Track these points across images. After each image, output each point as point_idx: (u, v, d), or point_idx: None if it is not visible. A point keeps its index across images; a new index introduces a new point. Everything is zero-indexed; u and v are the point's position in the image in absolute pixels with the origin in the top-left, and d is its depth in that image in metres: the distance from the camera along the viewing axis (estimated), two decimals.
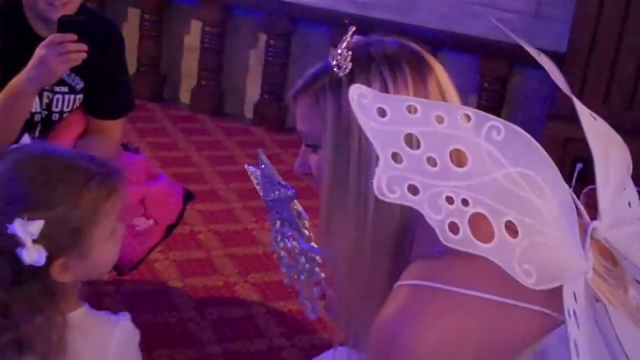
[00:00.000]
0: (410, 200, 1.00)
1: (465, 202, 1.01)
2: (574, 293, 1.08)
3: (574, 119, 3.85)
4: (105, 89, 2.35)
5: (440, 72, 1.29)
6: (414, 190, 1.00)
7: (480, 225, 1.02)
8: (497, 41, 3.91)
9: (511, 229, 1.04)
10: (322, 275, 1.57)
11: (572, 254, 1.10)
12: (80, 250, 1.31)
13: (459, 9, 3.98)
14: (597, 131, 1.23)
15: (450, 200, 1.01)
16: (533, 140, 1.07)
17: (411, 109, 1.04)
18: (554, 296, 1.09)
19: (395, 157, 1.01)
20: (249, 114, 4.48)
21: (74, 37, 2.07)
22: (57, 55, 2.06)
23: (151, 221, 2.31)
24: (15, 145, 1.42)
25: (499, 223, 1.02)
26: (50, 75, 2.09)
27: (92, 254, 1.33)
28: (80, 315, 1.36)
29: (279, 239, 1.59)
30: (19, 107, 2.13)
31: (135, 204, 2.28)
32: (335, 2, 4.15)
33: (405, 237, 1.23)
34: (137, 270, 2.54)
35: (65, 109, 2.30)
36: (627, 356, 1.10)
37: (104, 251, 1.35)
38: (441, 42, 4.02)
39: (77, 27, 2.10)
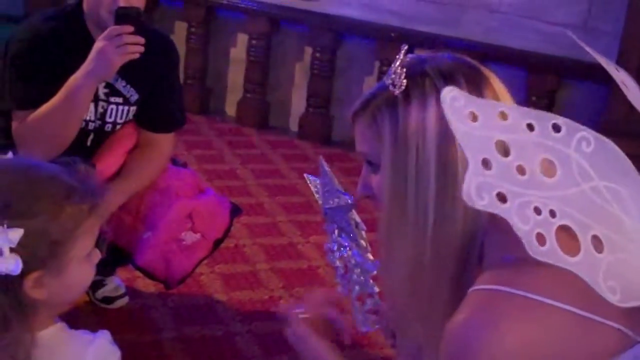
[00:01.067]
0: (499, 209, 0.99)
1: (552, 214, 1.00)
2: None
3: (624, 134, 3.84)
4: (159, 102, 2.37)
5: (496, 83, 1.28)
6: (502, 198, 0.99)
7: (565, 238, 1.01)
8: (545, 54, 3.88)
9: (597, 243, 1.03)
10: (376, 289, 1.56)
11: None
12: (56, 265, 1.28)
13: (504, 22, 3.95)
14: None
15: (538, 210, 1.00)
16: (622, 153, 1.06)
17: (503, 115, 1.02)
18: (632, 315, 1.08)
19: (485, 163, 0.99)
20: (294, 127, 4.48)
21: (131, 29, 2.09)
22: (115, 47, 2.08)
23: (198, 235, 2.31)
24: None
25: (585, 237, 1.01)
26: (108, 68, 2.11)
27: (67, 272, 1.30)
28: (52, 334, 1.33)
29: (335, 249, 1.59)
30: (77, 102, 2.14)
31: (183, 218, 2.29)
32: (380, 16, 4.15)
33: (470, 253, 1.22)
34: (184, 283, 2.54)
35: (118, 120, 2.33)
36: None
37: (79, 272, 1.33)
38: (487, 56, 3.99)
39: (134, 19, 2.13)
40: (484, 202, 0.98)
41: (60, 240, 1.28)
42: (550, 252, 0.99)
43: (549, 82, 3.91)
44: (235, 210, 2.45)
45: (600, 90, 3.82)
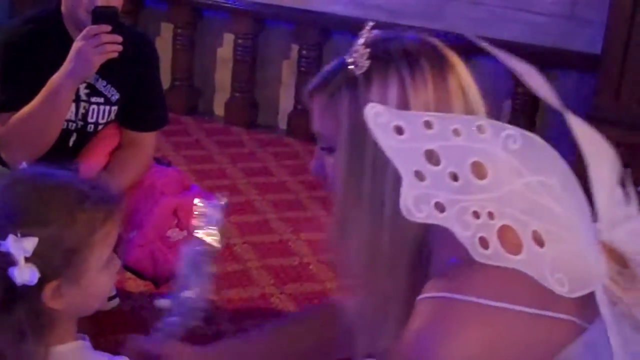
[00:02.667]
0: (438, 219, 1.00)
1: (491, 216, 1.01)
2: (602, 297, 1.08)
3: (611, 122, 3.83)
4: (140, 101, 2.38)
5: (461, 69, 1.25)
6: (440, 207, 1.00)
7: (507, 237, 1.01)
8: (530, 45, 3.88)
9: (537, 238, 1.03)
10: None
11: (593, 259, 1.09)
12: (73, 274, 1.26)
13: (490, 14, 3.95)
14: (588, 137, 1.21)
15: (476, 214, 1.01)
16: (549, 146, 1.07)
17: (428, 124, 1.02)
18: (577, 303, 1.08)
19: (418, 175, 1.00)
20: (282, 125, 4.48)
21: (109, 28, 2.10)
22: (93, 46, 2.08)
23: (185, 232, 2.31)
24: (8, 171, 1.39)
25: (525, 234, 1.02)
26: (87, 67, 2.12)
27: (85, 281, 1.27)
28: (71, 351, 1.31)
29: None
30: (58, 103, 2.15)
31: (168, 216, 2.29)
32: (365, 11, 4.14)
33: (424, 245, 1.20)
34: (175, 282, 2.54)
35: (100, 120, 2.33)
36: None
37: (98, 280, 1.30)
38: (473, 48, 3.99)
39: (111, 18, 2.13)
40: (423, 214, 0.99)
41: (76, 248, 1.26)
42: (494, 255, 1.00)
43: None
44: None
45: (587, 80, 3.83)
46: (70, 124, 2.28)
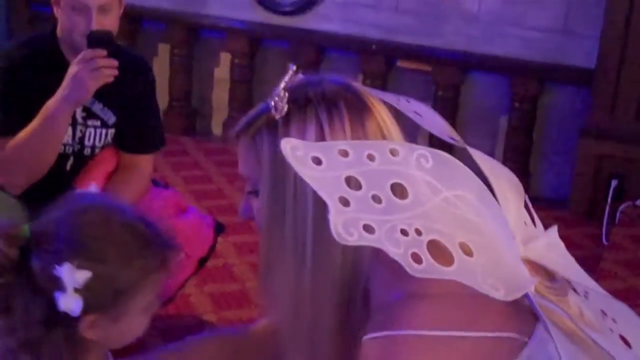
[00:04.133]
0: (369, 240, 1.02)
1: (418, 232, 1.04)
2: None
3: (606, 136, 3.87)
4: (136, 123, 2.39)
5: (381, 112, 1.27)
6: (369, 229, 1.02)
7: (437, 251, 1.04)
8: (526, 60, 3.90)
9: (465, 249, 1.07)
10: None
11: (518, 263, 1.14)
12: (115, 312, 1.27)
13: (484, 30, 3.98)
14: (489, 165, 1.26)
15: (405, 232, 1.04)
16: (457, 161, 1.11)
17: (343, 153, 1.05)
18: (515, 319, 1.13)
19: (343, 200, 1.02)
20: None
21: (104, 52, 2.11)
22: (89, 71, 2.10)
23: (182, 254, 2.32)
24: (81, 191, 1.39)
25: (453, 245, 1.06)
26: (83, 92, 2.13)
27: (123, 320, 1.29)
28: None
29: None
30: (54, 128, 2.16)
31: None
32: (361, 29, 4.17)
33: (354, 286, 1.21)
34: (173, 304, 2.54)
35: (97, 144, 2.34)
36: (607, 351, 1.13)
37: (134, 322, 1.31)
38: (469, 64, 4.02)
39: (107, 42, 2.14)
40: (354, 237, 1.01)
41: (125, 290, 1.27)
42: (428, 268, 1.03)
43: (531, 88, 3.93)
44: (219, 228, 2.46)
45: (582, 94, 3.85)
46: (67, 147, 2.29)
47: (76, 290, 1.22)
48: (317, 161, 1.04)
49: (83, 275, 1.22)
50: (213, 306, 2.76)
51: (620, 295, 2.31)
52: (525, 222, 1.27)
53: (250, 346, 1.56)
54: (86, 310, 1.24)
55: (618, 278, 3.02)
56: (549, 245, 1.24)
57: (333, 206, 1.01)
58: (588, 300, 1.21)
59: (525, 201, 1.29)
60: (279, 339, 1.34)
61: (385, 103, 1.29)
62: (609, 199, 3.59)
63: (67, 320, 1.25)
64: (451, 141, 1.28)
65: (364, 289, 1.23)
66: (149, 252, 1.29)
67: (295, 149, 1.04)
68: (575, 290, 1.21)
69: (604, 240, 3.46)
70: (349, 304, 1.23)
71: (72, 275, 1.22)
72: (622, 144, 3.61)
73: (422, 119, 1.31)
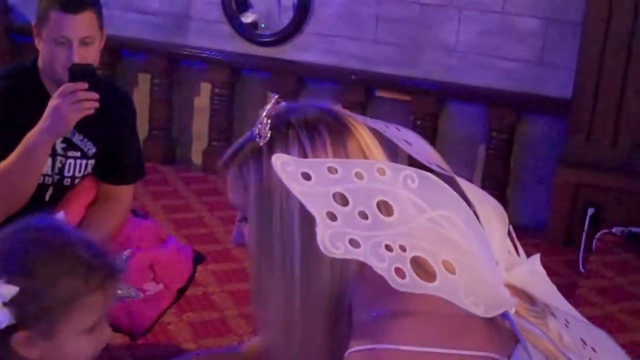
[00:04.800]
0: (355, 254, 1.05)
1: (402, 248, 1.08)
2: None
3: (583, 165, 3.90)
4: (116, 155, 2.40)
5: (362, 133, 1.31)
6: (355, 243, 1.05)
7: (421, 267, 1.07)
8: (504, 90, 3.95)
9: (448, 267, 1.09)
10: None
11: (499, 285, 1.17)
12: (46, 329, 1.29)
13: (462, 61, 4.03)
14: (472, 192, 1.29)
15: (389, 248, 1.07)
16: (444, 183, 1.14)
17: (332, 170, 1.09)
18: (496, 339, 1.15)
19: (330, 215, 1.06)
20: None
21: (85, 85, 2.13)
22: (70, 104, 2.11)
23: (161, 285, 2.33)
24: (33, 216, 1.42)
25: (436, 262, 1.09)
26: (64, 124, 2.14)
27: (59, 341, 1.31)
28: None
29: None
30: (34, 160, 2.17)
31: (144, 269, 2.30)
32: (341, 60, 4.21)
33: (341, 303, 1.25)
34: (151, 333, 2.54)
35: (77, 174, 2.35)
36: None
37: (74, 344, 1.33)
38: (447, 94, 4.06)
39: (88, 75, 2.16)
40: (341, 251, 1.05)
41: (52, 308, 1.29)
42: (411, 283, 1.06)
43: (508, 117, 3.97)
44: (198, 258, 2.47)
45: (558, 124, 3.90)
46: (46, 178, 2.30)
47: (4, 304, 1.26)
48: (307, 177, 1.07)
49: (9, 290, 1.26)
50: (192, 335, 2.77)
51: (597, 322, 2.33)
52: (509, 251, 1.31)
53: None
54: (18, 325, 1.28)
55: (595, 305, 3.05)
56: (531, 272, 1.26)
57: (321, 220, 1.04)
58: (568, 329, 1.23)
59: (509, 230, 1.32)
60: (271, 356, 1.37)
61: (373, 130, 1.33)
62: (586, 227, 3.63)
63: (1, 335, 1.28)
64: (440, 170, 1.30)
65: (347, 309, 1.26)
66: (82, 274, 1.31)
67: (286, 165, 1.07)
68: (555, 316, 1.24)
69: (580, 267, 3.49)
70: (337, 319, 1.26)
71: (0, 290, 1.26)
72: (598, 172, 3.66)
73: (411, 147, 1.34)
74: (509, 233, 1.31)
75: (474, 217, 1.16)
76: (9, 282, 1.26)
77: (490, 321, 1.14)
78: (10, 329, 1.28)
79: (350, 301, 1.25)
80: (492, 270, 1.17)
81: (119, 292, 1.50)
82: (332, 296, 1.25)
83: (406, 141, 1.34)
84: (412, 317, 1.14)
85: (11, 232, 1.35)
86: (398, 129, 1.35)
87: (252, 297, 1.34)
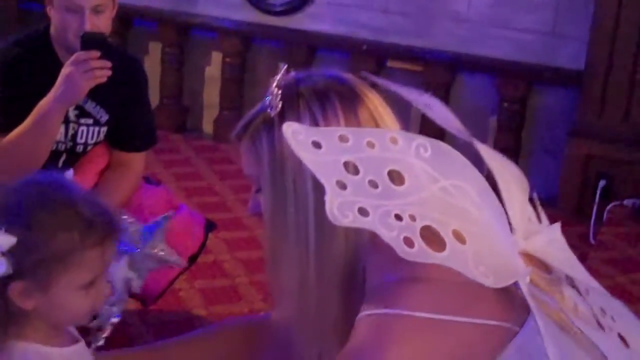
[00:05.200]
0: (363, 222, 1.05)
1: (412, 218, 1.07)
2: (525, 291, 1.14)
3: (595, 136, 3.89)
4: (128, 122, 2.41)
5: (373, 100, 1.31)
6: (364, 212, 1.05)
7: (431, 237, 1.07)
8: (515, 61, 3.93)
9: (458, 236, 1.09)
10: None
11: (511, 255, 1.16)
12: (41, 282, 1.32)
13: (474, 32, 4.00)
14: (494, 159, 1.28)
15: (398, 217, 1.07)
16: (457, 152, 1.14)
17: (343, 138, 1.08)
18: (507, 308, 1.15)
19: (340, 184, 1.05)
20: None
21: (98, 54, 2.13)
22: (82, 72, 2.12)
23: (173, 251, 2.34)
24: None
25: (446, 232, 1.09)
26: (76, 93, 2.15)
27: (55, 295, 1.33)
28: (33, 349, 1.36)
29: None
30: (47, 128, 2.18)
31: None
32: (353, 29, 4.19)
33: (355, 272, 1.26)
34: (163, 299, 2.56)
35: (89, 141, 2.36)
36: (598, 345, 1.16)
37: (69, 298, 1.35)
38: (459, 65, 4.05)
39: (100, 43, 2.17)
40: (349, 219, 1.05)
41: (48, 260, 1.32)
42: (420, 252, 1.05)
43: (519, 89, 3.96)
44: (210, 225, 2.48)
45: (570, 95, 3.88)
46: (59, 145, 2.31)
47: (2, 254, 1.29)
48: (317, 145, 1.07)
49: (7, 240, 1.29)
50: (203, 301, 2.78)
51: None
52: (529, 219, 1.30)
53: (265, 334, 1.60)
54: (15, 275, 1.31)
55: (605, 277, 3.06)
56: (550, 241, 1.26)
57: (330, 189, 1.04)
58: (589, 297, 1.24)
59: (531, 197, 1.31)
60: (289, 327, 1.38)
61: (375, 90, 1.32)
62: (597, 199, 3.63)
63: None
64: (460, 135, 1.30)
65: (363, 273, 1.26)
66: (79, 229, 1.33)
67: (296, 133, 1.07)
68: (574, 286, 1.24)
69: (591, 239, 3.49)
70: (352, 288, 1.26)
71: None
72: (610, 144, 3.65)
73: (432, 111, 1.33)
74: (532, 200, 1.30)
75: (488, 186, 1.16)
76: (7, 232, 1.29)
77: (504, 290, 1.14)
78: (7, 279, 1.31)
79: (364, 268, 1.26)
80: (505, 239, 1.16)
81: (161, 253, 1.53)
82: (347, 264, 1.26)
83: (427, 105, 1.34)
84: (423, 284, 1.14)
85: (17, 186, 1.38)
86: (420, 95, 1.35)
87: (268, 266, 1.36)
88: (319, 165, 1.06)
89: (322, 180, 1.05)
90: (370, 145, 1.09)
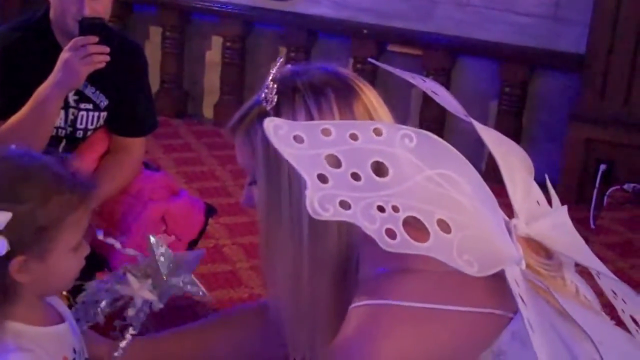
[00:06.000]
0: (344, 215, 1.04)
1: (395, 209, 1.06)
2: (515, 279, 1.13)
3: (596, 121, 3.89)
4: (128, 107, 2.40)
5: (368, 95, 1.31)
6: (346, 205, 1.04)
7: (416, 228, 1.06)
8: (516, 45, 3.92)
9: (443, 226, 1.08)
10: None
11: (502, 241, 1.15)
12: (41, 251, 1.33)
13: (476, 15, 3.99)
14: (496, 142, 1.28)
15: (381, 209, 1.06)
16: (444, 141, 1.13)
17: (326, 132, 1.08)
18: (499, 295, 1.14)
19: (321, 178, 1.05)
20: None
21: (96, 39, 2.13)
22: (80, 57, 2.12)
23: (172, 237, 2.33)
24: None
25: (431, 222, 1.08)
26: (75, 78, 2.15)
27: (51, 260, 1.35)
28: (26, 331, 1.37)
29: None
30: (46, 113, 2.18)
31: (156, 221, 2.31)
32: (353, 13, 4.18)
33: (348, 265, 1.26)
34: None
35: (89, 127, 2.36)
36: (585, 332, 1.14)
37: (64, 262, 1.37)
38: (460, 49, 4.04)
39: (98, 28, 2.16)
40: (330, 213, 1.04)
41: (47, 227, 1.33)
42: (402, 243, 1.05)
43: (520, 73, 3.95)
44: (210, 211, 2.48)
45: (572, 80, 3.87)
46: (59, 130, 2.31)
47: (0, 232, 1.30)
48: (299, 139, 1.06)
49: (3, 217, 1.29)
50: (204, 286, 2.77)
51: None
52: (538, 201, 1.30)
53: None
54: (13, 252, 1.31)
55: (605, 261, 3.05)
56: (554, 225, 1.26)
57: (311, 183, 1.04)
58: (600, 280, 1.25)
59: (544, 181, 1.31)
60: (279, 317, 1.39)
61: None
62: (597, 184, 3.62)
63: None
64: (465, 118, 1.29)
65: (354, 267, 1.27)
66: (65, 190, 1.35)
67: (278, 128, 1.06)
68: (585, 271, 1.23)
69: (591, 224, 3.50)
70: (345, 281, 1.27)
71: None
72: (610, 128, 3.64)
73: (437, 96, 1.34)
74: (544, 184, 1.30)
75: (477, 174, 1.15)
76: (0, 209, 1.30)
77: (497, 278, 1.13)
78: (7, 256, 1.31)
79: (358, 260, 1.26)
80: (497, 226, 1.16)
81: (188, 286, 1.55)
82: (340, 256, 1.26)
83: (433, 91, 1.34)
84: (414, 275, 1.14)
85: None
86: (423, 80, 1.35)
87: (262, 259, 1.36)
88: (299, 159, 1.06)
89: (303, 174, 1.04)
90: (354, 137, 1.09)
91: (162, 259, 1.55)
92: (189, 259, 1.60)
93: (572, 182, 3.73)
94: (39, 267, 1.35)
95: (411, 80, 1.34)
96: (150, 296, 1.56)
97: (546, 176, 1.32)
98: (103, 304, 1.56)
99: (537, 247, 1.24)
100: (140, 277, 1.52)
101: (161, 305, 1.56)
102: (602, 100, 3.67)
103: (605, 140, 3.65)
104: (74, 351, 1.47)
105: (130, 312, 1.56)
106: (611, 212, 3.48)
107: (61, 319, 1.47)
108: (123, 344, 1.55)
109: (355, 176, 1.06)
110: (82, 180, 1.40)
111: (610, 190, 3.57)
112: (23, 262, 1.33)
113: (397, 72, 1.34)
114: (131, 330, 1.56)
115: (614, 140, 3.65)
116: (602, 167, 3.65)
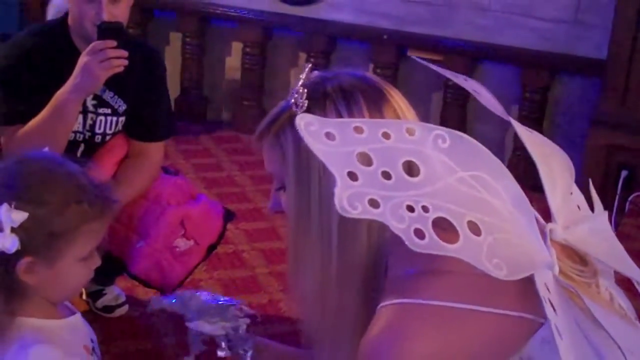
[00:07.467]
0: (373, 214, 1.03)
1: (425, 209, 1.05)
2: (545, 284, 1.11)
3: (617, 126, 3.84)
4: (147, 112, 2.41)
5: (397, 100, 1.31)
6: (375, 204, 1.03)
7: (445, 229, 1.05)
8: (537, 51, 3.90)
9: (473, 228, 1.07)
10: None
11: (535, 246, 1.14)
12: (49, 256, 1.35)
13: (496, 20, 3.98)
14: (536, 143, 1.26)
15: (410, 208, 1.04)
16: (478, 143, 1.12)
17: (358, 130, 1.07)
18: (531, 300, 1.12)
19: (351, 175, 1.04)
20: None
21: (114, 43, 2.14)
22: (98, 62, 2.13)
23: (192, 242, 2.34)
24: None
25: (461, 224, 1.06)
26: (93, 82, 2.16)
27: (60, 267, 1.36)
28: (35, 324, 1.38)
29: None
30: (64, 117, 2.19)
31: (175, 226, 2.31)
32: (373, 19, 4.18)
33: (377, 271, 1.25)
34: (182, 289, 2.57)
35: (107, 131, 2.36)
36: (614, 340, 1.12)
37: (71, 271, 1.38)
38: (480, 54, 4.02)
39: (117, 33, 2.17)
40: (358, 211, 1.03)
41: (59, 234, 1.35)
42: (431, 244, 1.03)
43: (541, 78, 3.93)
44: (229, 215, 2.48)
45: (592, 85, 3.84)
46: (77, 135, 2.32)
47: (13, 229, 1.31)
48: (331, 137, 1.06)
49: (19, 216, 1.31)
50: (223, 292, 2.79)
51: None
52: (578, 206, 1.29)
53: None
54: (22, 251, 1.33)
55: None
56: (594, 231, 1.24)
57: (340, 180, 1.03)
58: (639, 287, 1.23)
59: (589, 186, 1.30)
60: (305, 328, 1.39)
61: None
62: (619, 189, 3.59)
63: (5, 260, 1.34)
64: (505, 118, 1.29)
65: (385, 268, 1.26)
66: (85, 200, 1.37)
67: (309, 124, 1.06)
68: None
69: (613, 229, 3.46)
70: (373, 286, 1.26)
71: (9, 215, 1.31)
72: (632, 134, 3.61)
73: (480, 95, 1.33)
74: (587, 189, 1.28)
75: (511, 176, 1.14)
76: (18, 208, 1.31)
77: (529, 282, 1.12)
78: (16, 255, 1.33)
79: (386, 265, 1.25)
80: (530, 231, 1.14)
81: (229, 323, 1.58)
82: (369, 264, 1.25)
83: (474, 90, 1.34)
84: (443, 276, 1.13)
85: (10, 163, 1.41)
86: (465, 79, 1.34)
87: (289, 266, 1.35)
88: (330, 156, 1.05)
89: (333, 171, 1.04)
90: (386, 136, 1.08)
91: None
92: (229, 307, 1.66)
93: (594, 187, 3.69)
94: (46, 271, 1.36)
95: (454, 79, 1.34)
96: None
97: (590, 180, 1.30)
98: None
99: (572, 253, 1.22)
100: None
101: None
102: (623, 106, 3.64)
103: (627, 145, 3.62)
104: (91, 340, 1.49)
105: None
106: (633, 219, 3.45)
107: (71, 311, 1.49)
108: None
109: (386, 175, 1.05)
110: (104, 193, 1.41)
111: (632, 196, 3.54)
112: (30, 263, 1.34)
113: (441, 70, 1.34)
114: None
115: (635, 145, 3.61)
116: (624, 172, 3.61)
